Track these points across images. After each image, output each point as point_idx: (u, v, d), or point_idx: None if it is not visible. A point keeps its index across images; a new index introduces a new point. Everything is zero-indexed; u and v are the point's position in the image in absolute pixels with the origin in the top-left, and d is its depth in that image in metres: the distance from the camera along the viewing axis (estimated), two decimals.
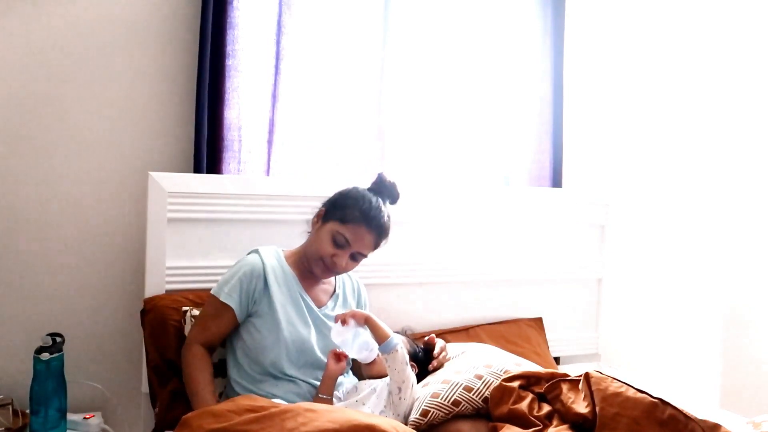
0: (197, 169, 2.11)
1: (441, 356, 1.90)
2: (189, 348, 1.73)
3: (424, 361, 1.90)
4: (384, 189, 1.85)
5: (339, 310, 1.82)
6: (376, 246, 1.81)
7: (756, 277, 2.96)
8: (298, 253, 1.85)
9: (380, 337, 1.67)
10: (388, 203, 1.84)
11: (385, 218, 1.80)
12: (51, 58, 2.03)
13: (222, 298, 1.72)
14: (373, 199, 1.79)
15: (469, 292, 2.41)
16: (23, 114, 2.02)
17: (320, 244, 1.76)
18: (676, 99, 3.00)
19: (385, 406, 1.65)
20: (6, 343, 2.02)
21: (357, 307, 1.92)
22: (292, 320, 1.74)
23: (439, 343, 1.96)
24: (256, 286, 1.74)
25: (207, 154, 2.13)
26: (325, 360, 1.74)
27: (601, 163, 2.88)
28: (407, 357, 1.68)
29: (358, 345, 1.68)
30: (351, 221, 1.74)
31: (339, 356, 1.71)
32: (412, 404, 1.67)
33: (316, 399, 1.67)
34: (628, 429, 1.45)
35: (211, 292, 1.76)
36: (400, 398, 1.64)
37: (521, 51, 2.65)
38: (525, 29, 2.65)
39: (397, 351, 1.64)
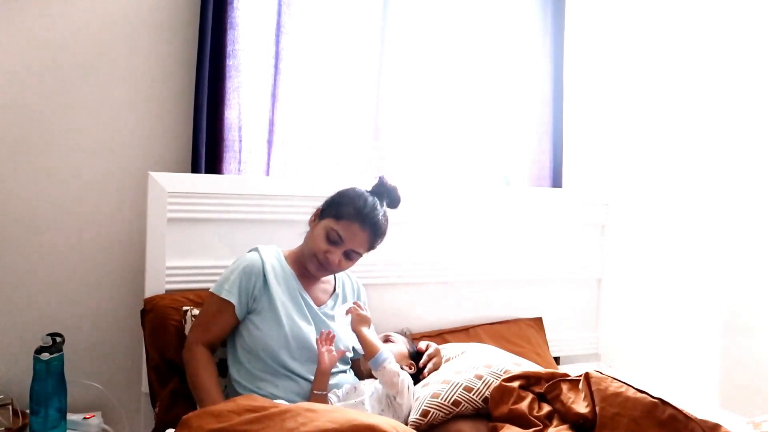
0: (197, 169, 2.11)
1: (427, 369, 1.86)
2: (191, 349, 1.72)
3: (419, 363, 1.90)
4: (384, 192, 1.85)
5: (340, 310, 1.81)
6: (370, 245, 1.80)
7: (756, 277, 2.96)
8: (297, 253, 1.85)
9: (369, 353, 1.67)
10: (387, 206, 1.84)
11: (380, 217, 1.79)
12: (50, 59, 2.04)
13: (223, 295, 1.72)
14: (370, 198, 1.79)
15: (469, 292, 2.41)
16: (23, 114, 2.02)
17: (314, 241, 1.77)
18: (676, 99, 3.00)
19: (384, 408, 1.65)
20: (6, 343, 2.02)
21: None
22: (293, 316, 1.74)
23: (429, 350, 1.93)
24: (256, 284, 1.74)
25: (208, 154, 2.14)
26: None
27: (601, 163, 2.88)
28: (398, 367, 1.68)
29: None
30: (345, 218, 1.74)
31: (329, 351, 1.70)
32: (412, 406, 1.67)
33: (311, 395, 1.67)
34: (628, 429, 1.45)
35: (210, 290, 1.76)
36: (398, 403, 1.65)
37: (521, 51, 2.65)
38: (525, 29, 2.65)
39: (385, 368, 1.64)
